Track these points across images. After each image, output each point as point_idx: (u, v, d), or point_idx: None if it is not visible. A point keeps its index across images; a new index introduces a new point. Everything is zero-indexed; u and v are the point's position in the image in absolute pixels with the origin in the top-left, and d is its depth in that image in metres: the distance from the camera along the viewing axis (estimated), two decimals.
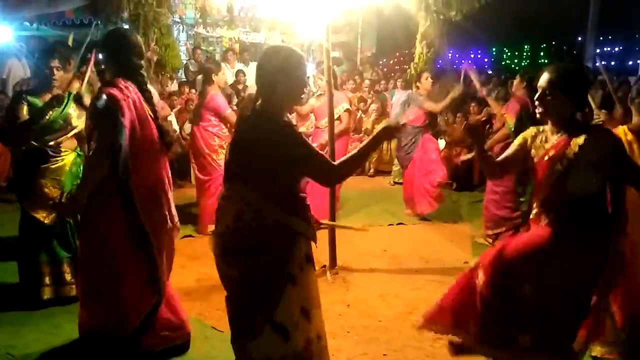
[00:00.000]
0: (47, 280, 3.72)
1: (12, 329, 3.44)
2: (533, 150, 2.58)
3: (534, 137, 2.60)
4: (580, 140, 2.38)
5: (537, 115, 2.57)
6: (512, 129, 5.11)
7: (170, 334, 3.12)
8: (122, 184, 2.80)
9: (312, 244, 2.43)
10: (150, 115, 2.93)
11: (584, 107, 2.51)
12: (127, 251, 2.90)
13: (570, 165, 2.39)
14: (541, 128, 2.59)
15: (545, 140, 2.54)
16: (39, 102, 3.61)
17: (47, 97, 3.63)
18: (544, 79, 2.47)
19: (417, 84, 6.45)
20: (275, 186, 2.26)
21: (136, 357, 3.02)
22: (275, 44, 2.50)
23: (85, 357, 3.14)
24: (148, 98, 2.93)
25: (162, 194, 3.02)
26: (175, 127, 7.43)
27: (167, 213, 3.04)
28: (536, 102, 2.50)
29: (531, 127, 2.67)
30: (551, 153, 2.46)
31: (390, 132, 2.38)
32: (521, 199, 5.12)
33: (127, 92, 2.82)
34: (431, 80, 6.22)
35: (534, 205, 2.60)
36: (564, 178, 2.41)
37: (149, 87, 3.00)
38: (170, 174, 3.11)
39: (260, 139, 2.24)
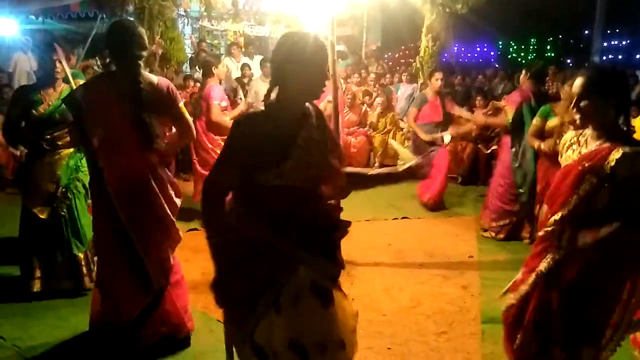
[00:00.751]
0: (38, 273, 3.75)
1: (18, 321, 3.46)
2: (568, 152, 2.38)
3: (577, 139, 2.37)
4: (618, 154, 2.16)
5: (577, 122, 2.32)
6: (510, 121, 5.12)
7: (167, 330, 3.13)
8: (97, 181, 2.88)
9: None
10: (125, 111, 2.85)
11: (626, 112, 2.27)
12: (114, 251, 2.96)
13: (604, 181, 2.18)
14: (582, 132, 2.36)
15: (585, 144, 2.31)
16: (37, 97, 3.64)
17: (50, 91, 3.66)
18: (578, 84, 2.25)
19: (428, 81, 6.48)
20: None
21: (137, 349, 3.04)
22: (292, 31, 2.22)
23: (90, 349, 3.16)
24: (136, 90, 2.86)
25: (148, 193, 2.95)
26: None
27: (160, 213, 2.99)
28: (573, 110, 2.29)
29: (570, 132, 2.47)
30: (587, 164, 2.23)
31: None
32: (520, 190, 5.12)
33: (95, 89, 2.90)
34: (441, 82, 6.22)
35: (550, 220, 2.35)
36: (595, 193, 2.20)
37: (146, 76, 2.94)
38: (162, 172, 3.00)
39: (263, 134, 2.02)
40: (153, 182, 2.96)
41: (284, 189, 2.05)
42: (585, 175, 2.23)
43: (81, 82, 3.67)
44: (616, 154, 2.16)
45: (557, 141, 4.28)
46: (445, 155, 6.25)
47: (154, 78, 3.00)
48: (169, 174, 3.09)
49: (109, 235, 2.96)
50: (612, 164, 2.16)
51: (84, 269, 3.81)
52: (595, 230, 2.23)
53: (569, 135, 2.46)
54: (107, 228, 2.96)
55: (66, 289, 3.78)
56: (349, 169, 2.35)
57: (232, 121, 5.30)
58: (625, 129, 2.26)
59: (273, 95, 2.11)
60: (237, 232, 2.10)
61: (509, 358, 2.56)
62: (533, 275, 2.39)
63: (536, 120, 4.68)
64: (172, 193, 3.08)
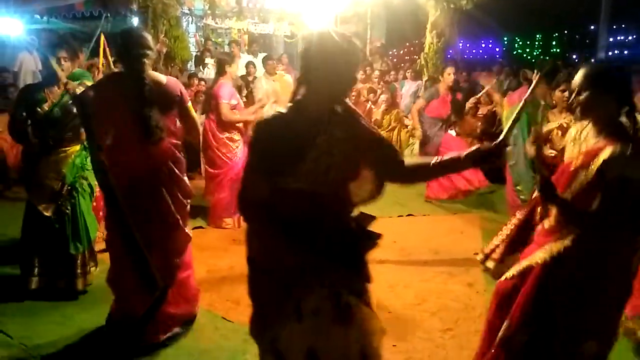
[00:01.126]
0: (37, 270, 3.75)
1: (25, 320, 3.48)
2: (570, 145, 2.31)
3: (580, 135, 2.29)
4: (607, 153, 2.06)
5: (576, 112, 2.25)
6: (504, 119, 5.15)
7: (172, 327, 3.16)
8: (101, 176, 2.92)
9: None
10: (130, 109, 2.89)
11: (630, 109, 2.15)
12: (121, 249, 2.98)
13: (592, 181, 2.10)
14: (585, 126, 2.29)
15: (585, 140, 2.23)
16: (41, 96, 3.65)
17: (54, 89, 3.68)
18: (579, 75, 2.20)
19: (440, 77, 6.55)
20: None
21: (143, 346, 3.06)
22: (323, 30, 2.00)
23: (96, 347, 3.18)
24: (140, 86, 2.90)
25: (152, 192, 2.98)
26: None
27: (164, 212, 3.02)
28: (575, 100, 2.22)
29: (575, 126, 2.38)
30: (580, 160, 2.17)
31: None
32: (518, 187, 5.12)
33: (104, 89, 2.99)
34: (454, 76, 6.27)
35: (552, 212, 2.29)
36: (587, 192, 2.12)
37: (152, 75, 2.98)
38: (169, 170, 3.04)
39: (279, 137, 1.95)
40: (158, 181, 2.99)
41: (303, 193, 1.97)
42: (577, 172, 2.17)
43: (87, 82, 3.70)
44: (604, 154, 2.08)
45: (548, 145, 4.27)
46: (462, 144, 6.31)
47: (163, 78, 3.06)
48: (178, 173, 3.10)
49: (116, 233, 3.00)
50: (599, 163, 2.08)
51: (79, 270, 3.78)
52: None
53: (574, 129, 2.40)
54: (114, 227, 3.00)
55: (65, 288, 3.78)
56: (408, 160, 2.24)
57: (243, 117, 5.34)
58: (631, 125, 2.16)
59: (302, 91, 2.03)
60: (259, 238, 2.06)
61: (483, 329, 2.49)
62: (525, 263, 2.32)
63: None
64: (179, 193, 3.10)
